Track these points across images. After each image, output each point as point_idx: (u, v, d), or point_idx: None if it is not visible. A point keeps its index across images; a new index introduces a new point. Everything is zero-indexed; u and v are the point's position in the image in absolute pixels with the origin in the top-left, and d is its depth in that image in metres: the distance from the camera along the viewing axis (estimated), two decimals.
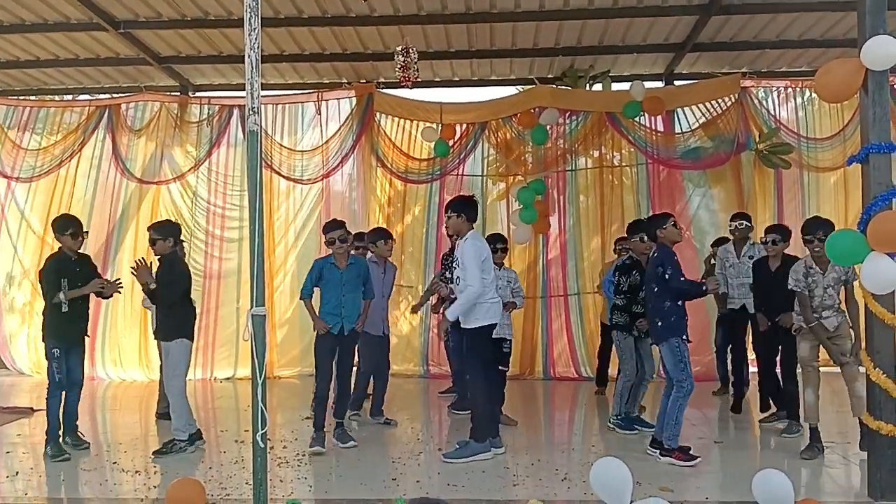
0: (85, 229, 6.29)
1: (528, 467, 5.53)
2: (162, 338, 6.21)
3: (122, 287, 6.37)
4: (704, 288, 5.77)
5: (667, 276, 5.57)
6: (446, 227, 6.35)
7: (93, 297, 6.30)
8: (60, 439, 5.99)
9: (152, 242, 6.11)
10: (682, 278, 5.60)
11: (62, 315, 5.92)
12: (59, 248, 6.10)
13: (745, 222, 7.42)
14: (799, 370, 6.04)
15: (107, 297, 6.50)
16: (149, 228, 6.27)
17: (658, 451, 5.65)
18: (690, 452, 5.57)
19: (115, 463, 5.77)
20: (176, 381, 6.05)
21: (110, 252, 9.84)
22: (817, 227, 5.70)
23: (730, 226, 7.52)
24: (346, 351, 6.30)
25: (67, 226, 6.06)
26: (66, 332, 6.00)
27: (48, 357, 6.01)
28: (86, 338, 6.28)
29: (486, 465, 5.57)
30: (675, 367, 5.62)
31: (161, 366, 6.54)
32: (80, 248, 6.19)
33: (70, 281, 5.95)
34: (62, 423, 6.05)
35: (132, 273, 6.08)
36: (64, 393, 6.03)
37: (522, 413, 7.40)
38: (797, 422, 6.32)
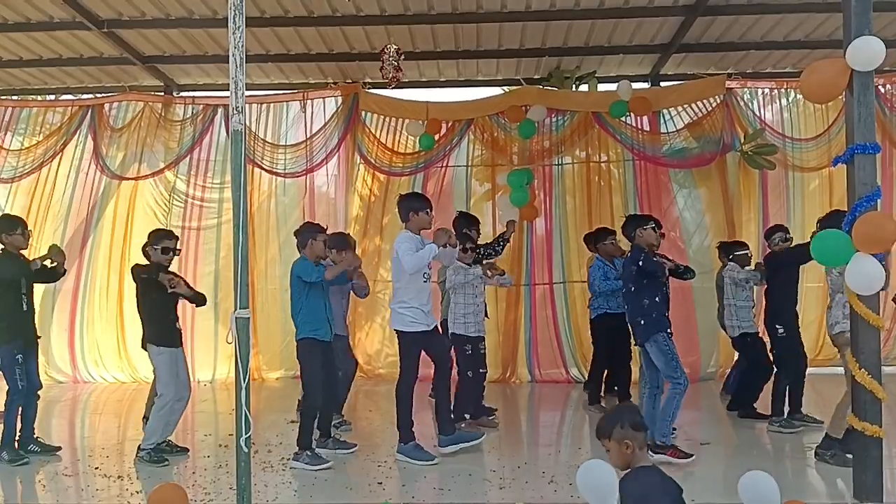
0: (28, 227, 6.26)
1: (514, 470, 5.51)
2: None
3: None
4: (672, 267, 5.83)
5: (640, 264, 5.62)
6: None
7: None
8: (17, 446, 5.86)
9: (166, 251, 5.93)
10: (655, 258, 5.66)
11: (20, 315, 5.85)
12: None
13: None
14: None
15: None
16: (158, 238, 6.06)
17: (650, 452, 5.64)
18: (683, 450, 5.59)
19: (96, 468, 5.70)
20: None
21: (86, 246, 9.74)
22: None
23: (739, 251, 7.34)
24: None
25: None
26: (24, 334, 5.91)
27: (7, 363, 5.79)
28: (38, 339, 6.20)
29: (473, 468, 5.55)
30: (666, 365, 5.62)
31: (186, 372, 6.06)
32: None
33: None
34: (20, 434, 5.92)
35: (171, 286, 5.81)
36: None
37: (508, 416, 7.37)
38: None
